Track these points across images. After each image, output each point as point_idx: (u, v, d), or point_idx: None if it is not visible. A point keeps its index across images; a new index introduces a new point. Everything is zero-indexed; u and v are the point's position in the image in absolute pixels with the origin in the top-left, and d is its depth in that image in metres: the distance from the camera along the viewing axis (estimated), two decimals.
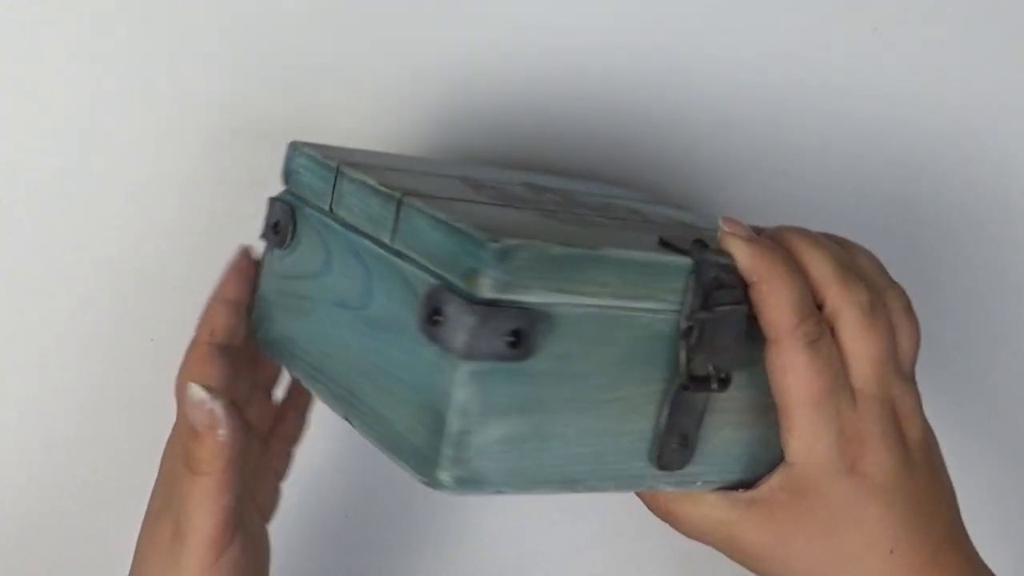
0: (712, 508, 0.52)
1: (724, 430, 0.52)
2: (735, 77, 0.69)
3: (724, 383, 0.50)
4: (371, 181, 0.50)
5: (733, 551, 0.52)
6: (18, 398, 0.65)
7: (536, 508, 0.74)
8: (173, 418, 0.55)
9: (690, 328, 0.48)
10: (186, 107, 0.63)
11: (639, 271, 0.47)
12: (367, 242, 0.50)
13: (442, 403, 0.45)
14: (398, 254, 0.48)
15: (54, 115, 0.61)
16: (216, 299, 0.56)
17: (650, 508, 0.54)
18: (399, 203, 0.48)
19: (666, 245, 0.49)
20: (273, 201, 0.56)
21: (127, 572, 0.55)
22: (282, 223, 0.55)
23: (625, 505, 0.59)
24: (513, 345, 0.44)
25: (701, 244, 0.49)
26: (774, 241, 0.51)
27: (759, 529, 0.51)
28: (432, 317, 0.45)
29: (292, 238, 0.55)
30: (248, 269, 0.56)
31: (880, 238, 0.72)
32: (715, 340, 0.49)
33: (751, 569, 0.53)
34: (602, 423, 0.48)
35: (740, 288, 0.49)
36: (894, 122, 0.73)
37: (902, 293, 0.52)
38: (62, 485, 0.65)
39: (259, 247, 0.57)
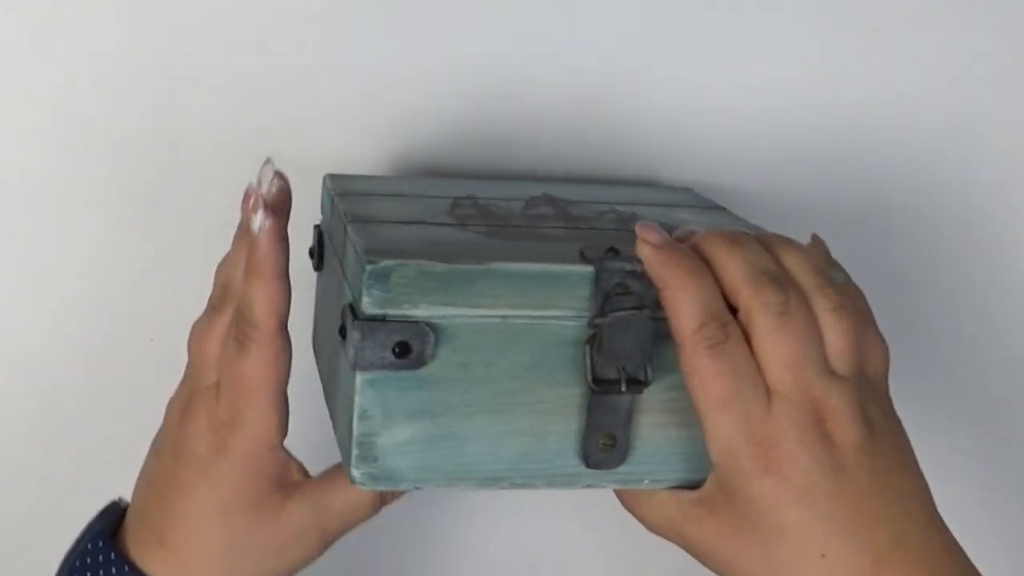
0: (664, 507, 0.53)
1: (667, 430, 0.53)
2: (735, 77, 0.69)
3: (636, 384, 0.51)
4: (341, 208, 0.56)
5: (688, 548, 0.53)
6: (18, 398, 0.67)
7: (537, 508, 0.75)
8: None
9: (593, 333, 0.50)
10: (186, 108, 0.64)
11: (532, 283, 0.49)
12: (335, 263, 0.56)
13: (351, 408, 0.50)
14: (344, 274, 0.54)
15: (54, 115, 0.63)
16: (271, 276, 0.52)
17: (624, 507, 0.56)
18: (344, 228, 0.54)
19: (582, 255, 0.51)
20: (314, 228, 0.63)
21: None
22: (315, 248, 0.62)
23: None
24: (399, 355, 0.49)
25: (613, 252, 0.51)
26: (690, 246, 0.51)
27: (703, 529, 0.51)
28: (341, 331, 0.50)
29: (322, 261, 0.62)
30: (281, 226, 0.52)
31: (880, 238, 0.73)
32: (620, 344, 0.50)
33: (706, 567, 0.53)
34: (521, 425, 0.51)
35: (651, 293, 0.50)
36: (894, 122, 0.71)
37: (833, 293, 0.50)
38: (62, 485, 0.68)
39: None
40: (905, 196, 0.73)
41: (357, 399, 0.49)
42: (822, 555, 0.49)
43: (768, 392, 0.49)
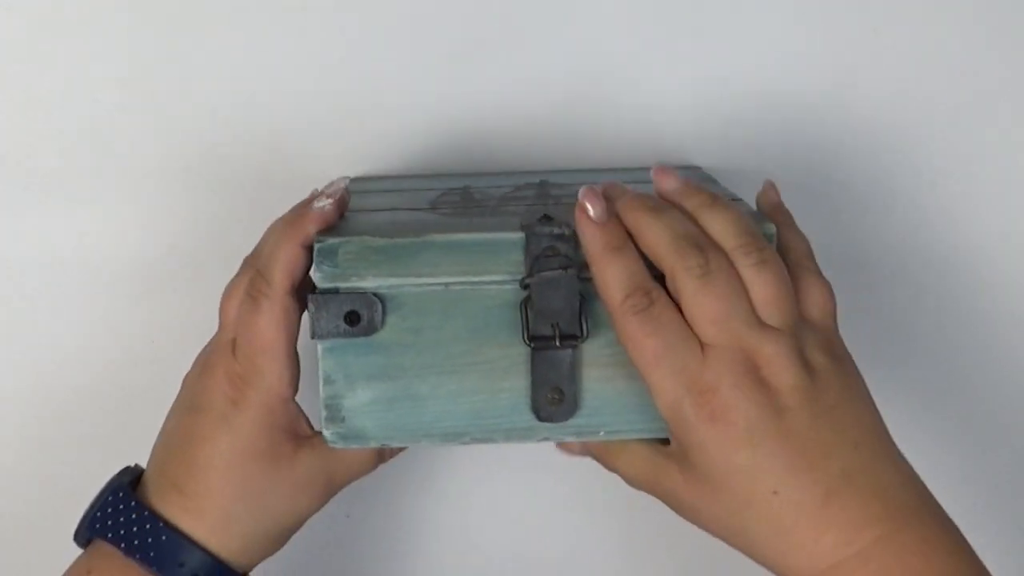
0: (640, 460, 0.57)
1: (615, 383, 0.56)
2: (735, 77, 0.70)
3: (571, 339, 0.55)
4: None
5: (664, 502, 0.56)
6: (18, 398, 0.69)
7: (538, 508, 0.76)
8: None
9: (527, 295, 0.55)
10: (188, 108, 0.67)
11: (468, 251, 0.55)
12: None
13: (318, 375, 0.56)
14: None
15: (54, 115, 0.65)
16: (297, 242, 0.56)
17: (603, 465, 0.60)
18: None
19: (521, 225, 0.56)
20: None
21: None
22: None
23: (632, 506, 0.62)
24: (351, 324, 0.55)
25: (546, 218, 0.55)
26: (617, 218, 0.54)
27: (673, 481, 0.55)
28: (308, 306, 0.57)
29: None
30: (332, 216, 0.57)
31: (878, 238, 0.73)
32: (550, 302, 0.54)
33: (684, 519, 0.56)
34: (473, 384, 0.56)
35: (579, 255, 0.54)
36: (894, 122, 0.71)
37: (754, 249, 0.53)
38: (63, 485, 0.67)
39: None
40: (905, 196, 0.73)
41: (320, 365, 0.55)
42: (774, 492, 0.52)
43: (702, 346, 0.53)
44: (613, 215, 0.55)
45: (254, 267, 0.59)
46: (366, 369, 0.55)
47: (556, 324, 0.55)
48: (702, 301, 0.52)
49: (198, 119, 0.68)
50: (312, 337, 0.55)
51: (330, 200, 0.56)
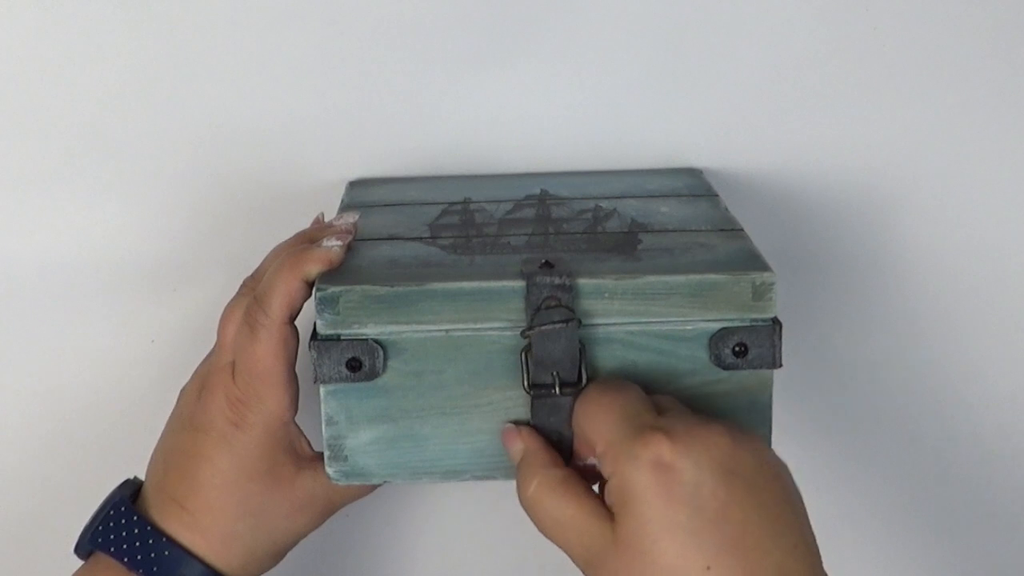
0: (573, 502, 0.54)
1: None
2: (734, 76, 0.70)
3: (570, 387, 0.55)
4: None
5: (575, 555, 0.53)
6: (19, 398, 0.69)
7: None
8: None
9: (527, 343, 0.55)
10: (188, 109, 0.67)
11: (469, 299, 0.55)
12: None
13: (320, 415, 0.57)
14: None
15: (54, 116, 0.65)
16: (298, 276, 0.56)
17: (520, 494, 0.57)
18: None
19: (522, 272, 0.56)
20: None
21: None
22: None
23: None
24: (353, 370, 0.55)
25: (547, 266, 0.55)
26: None
27: (602, 535, 0.52)
28: (310, 352, 0.57)
29: None
30: (334, 257, 0.57)
31: (878, 238, 0.73)
32: (551, 353, 0.55)
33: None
34: (474, 424, 0.56)
35: (580, 306, 0.55)
36: (894, 121, 0.71)
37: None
38: (63, 485, 0.70)
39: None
40: (905, 197, 0.73)
41: (323, 407, 0.56)
42: (707, 568, 0.48)
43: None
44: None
45: (253, 291, 0.59)
46: (368, 411, 0.56)
47: (556, 373, 0.55)
48: None
49: (198, 120, 0.68)
50: (314, 382, 0.55)
51: (339, 243, 0.57)
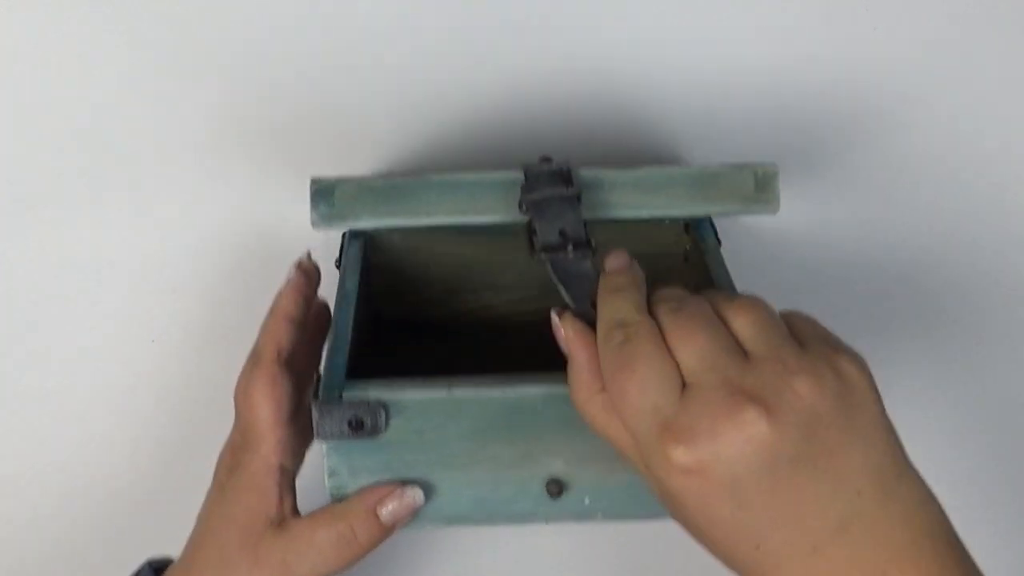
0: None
1: (615, 475, 0.57)
2: (734, 76, 0.69)
3: (582, 248, 0.53)
4: None
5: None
6: (19, 399, 0.69)
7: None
8: (173, 417, 0.61)
9: (529, 219, 0.54)
10: (188, 109, 0.66)
11: (467, 190, 0.55)
12: None
13: (322, 466, 0.57)
14: None
15: (55, 117, 0.65)
16: (279, 317, 0.59)
17: None
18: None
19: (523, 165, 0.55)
20: (343, 234, 0.68)
21: (131, 570, 0.61)
22: (340, 259, 0.67)
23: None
24: (355, 429, 0.55)
25: (545, 160, 0.56)
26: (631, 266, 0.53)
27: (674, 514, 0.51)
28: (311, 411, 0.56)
29: None
30: (303, 284, 0.60)
31: (878, 237, 0.72)
32: (551, 213, 0.54)
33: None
34: (476, 476, 0.56)
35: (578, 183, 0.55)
36: (894, 121, 0.70)
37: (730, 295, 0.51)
38: (63, 485, 0.69)
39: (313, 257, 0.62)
40: (905, 195, 0.72)
41: (325, 460, 0.56)
42: (756, 547, 0.47)
43: (684, 386, 0.48)
44: (631, 262, 0.52)
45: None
46: (371, 464, 0.56)
47: (563, 231, 0.53)
48: (675, 328, 0.49)
49: (198, 119, 0.67)
50: (316, 438, 0.55)
51: (295, 275, 0.59)
